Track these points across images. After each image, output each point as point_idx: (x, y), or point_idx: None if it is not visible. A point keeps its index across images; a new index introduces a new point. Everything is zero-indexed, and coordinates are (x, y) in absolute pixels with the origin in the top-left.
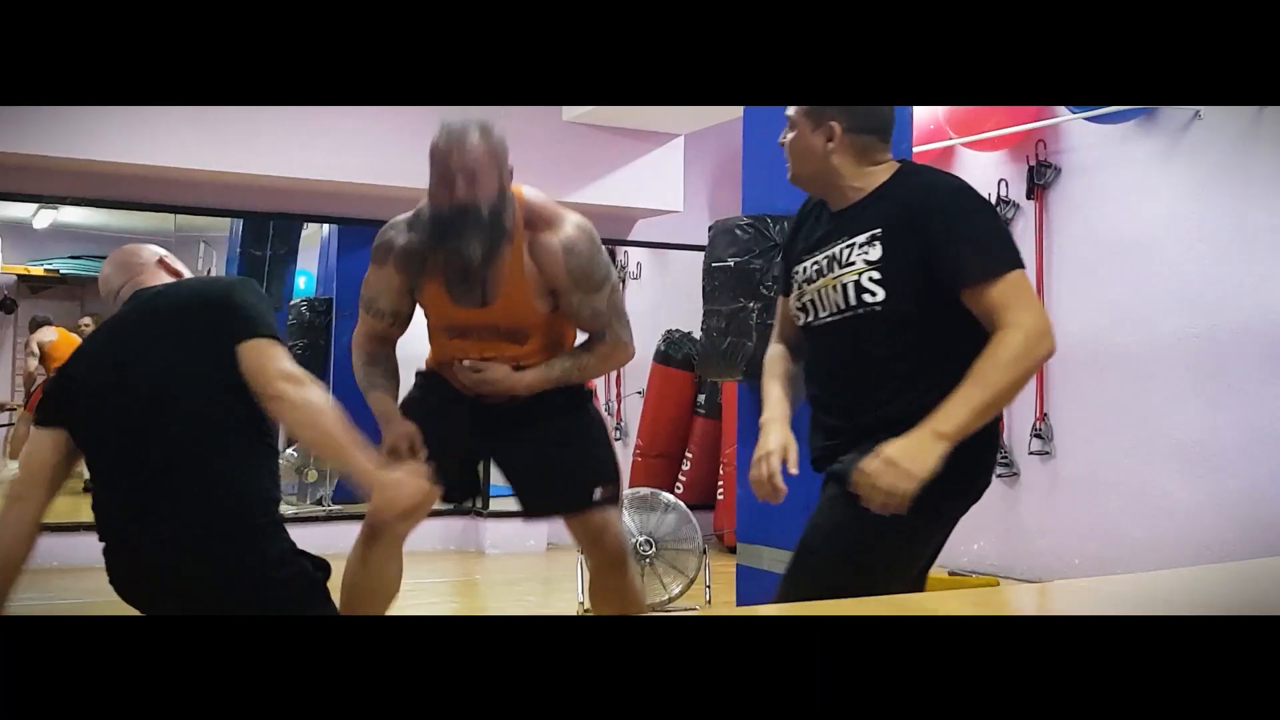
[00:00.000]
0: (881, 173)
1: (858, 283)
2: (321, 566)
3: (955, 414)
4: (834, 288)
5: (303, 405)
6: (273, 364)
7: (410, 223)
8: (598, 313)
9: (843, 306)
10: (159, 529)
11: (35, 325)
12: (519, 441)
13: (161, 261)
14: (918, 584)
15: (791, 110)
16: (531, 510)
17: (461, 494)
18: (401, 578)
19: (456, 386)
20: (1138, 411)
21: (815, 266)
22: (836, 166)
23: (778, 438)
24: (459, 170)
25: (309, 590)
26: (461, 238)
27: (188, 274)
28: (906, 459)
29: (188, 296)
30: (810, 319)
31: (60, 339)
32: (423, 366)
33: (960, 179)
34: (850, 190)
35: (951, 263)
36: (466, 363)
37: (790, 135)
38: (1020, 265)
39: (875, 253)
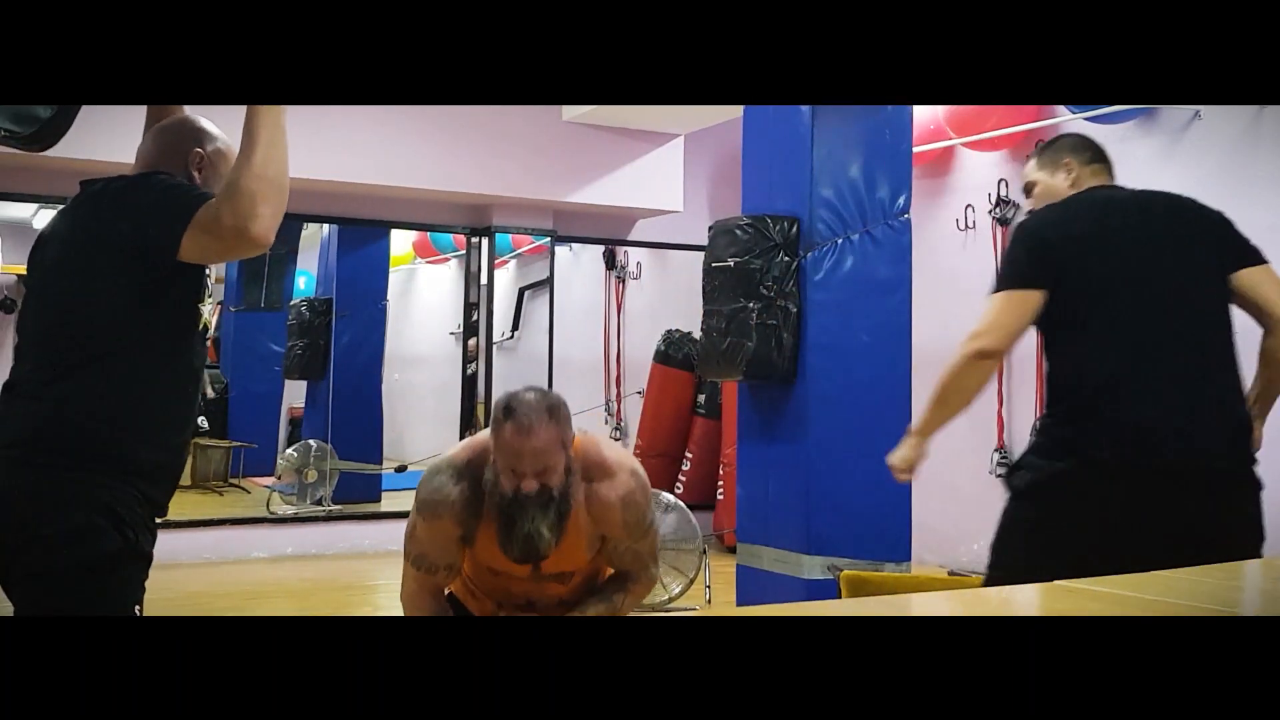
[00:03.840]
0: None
1: None
2: None
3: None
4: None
5: None
6: None
7: (460, 472)
8: (638, 555)
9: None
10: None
11: None
12: None
13: None
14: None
15: (1030, 172)
16: None
17: None
18: None
19: (478, 614)
20: None
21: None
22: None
23: None
24: (530, 463)
25: None
26: (534, 523)
27: None
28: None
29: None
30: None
31: None
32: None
33: None
34: None
35: None
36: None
37: (1037, 191)
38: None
39: None
